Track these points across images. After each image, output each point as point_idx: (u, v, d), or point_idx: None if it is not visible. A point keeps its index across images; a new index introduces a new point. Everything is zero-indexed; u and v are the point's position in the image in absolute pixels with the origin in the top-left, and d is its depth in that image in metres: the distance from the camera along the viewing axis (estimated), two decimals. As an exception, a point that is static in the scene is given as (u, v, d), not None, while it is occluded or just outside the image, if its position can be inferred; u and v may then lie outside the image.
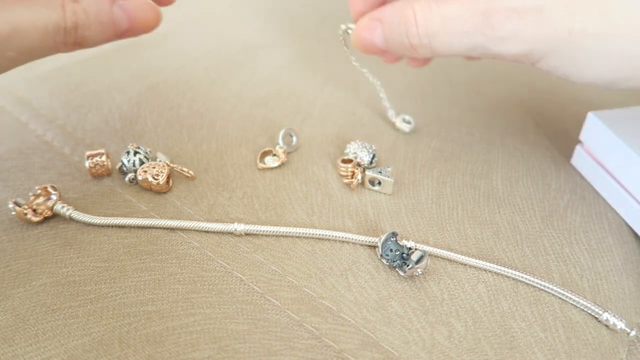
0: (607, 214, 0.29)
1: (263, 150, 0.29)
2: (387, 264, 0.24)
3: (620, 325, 0.23)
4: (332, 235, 0.26)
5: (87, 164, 0.28)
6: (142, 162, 0.28)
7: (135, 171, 0.28)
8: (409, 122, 0.32)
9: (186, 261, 0.25)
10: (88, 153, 0.29)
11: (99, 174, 0.29)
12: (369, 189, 0.29)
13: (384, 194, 0.29)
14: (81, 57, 0.41)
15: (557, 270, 0.25)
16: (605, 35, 0.20)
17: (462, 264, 0.25)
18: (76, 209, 0.27)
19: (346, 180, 0.29)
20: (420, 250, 0.24)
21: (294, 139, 0.31)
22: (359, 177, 0.29)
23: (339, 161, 0.30)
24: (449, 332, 0.22)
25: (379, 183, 0.29)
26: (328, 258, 0.25)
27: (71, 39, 0.23)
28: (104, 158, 0.29)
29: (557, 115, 0.37)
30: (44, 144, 0.32)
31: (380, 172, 0.28)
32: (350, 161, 0.29)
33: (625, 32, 0.20)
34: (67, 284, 0.23)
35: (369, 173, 0.28)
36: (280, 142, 0.29)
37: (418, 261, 0.24)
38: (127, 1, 0.25)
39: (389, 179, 0.28)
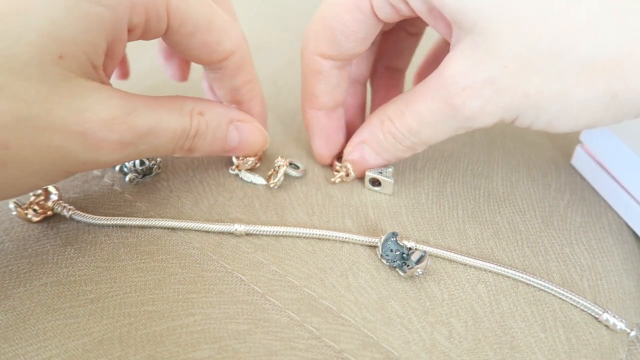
0: (607, 214, 0.29)
1: (268, 174, 0.29)
2: (387, 264, 0.24)
3: (620, 325, 0.23)
4: (332, 235, 0.26)
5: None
6: (142, 162, 0.28)
7: (136, 171, 0.28)
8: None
9: (186, 261, 0.25)
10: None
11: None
12: (369, 189, 0.29)
13: (384, 194, 0.29)
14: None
15: (557, 270, 0.25)
16: (561, 92, 0.20)
17: (462, 264, 0.25)
18: (76, 208, 0.27)
19: (332, 179, 0.29)
20: (421, 251, 0.24)
21: (300, 166, 0.30)
22: (342, 173, 0.29)
23: (334, 158, 0.30)
24: (449, 332, 0.22)
25: (379, 184, 0.29)
26: (328, 258, 0.25)
27: (188, 145, 0.25)
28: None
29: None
30: (44, 144, 0.32)
31: (381, 173, 0.28)
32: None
33: (582, 83, 0.20)
34: (68, 283, 0.23)
35: (369, 173, 0.28)
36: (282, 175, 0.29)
37: (418, 261, 0.24)
38: (243, 123, 0.27)
39: (389, 180, 0.28)
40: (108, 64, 0.22)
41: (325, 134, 0.29)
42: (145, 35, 0.23)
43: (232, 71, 0.26)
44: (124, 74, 0.35)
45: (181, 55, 0.25)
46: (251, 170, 0.30)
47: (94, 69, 0.21)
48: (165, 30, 0.23)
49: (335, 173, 0.29)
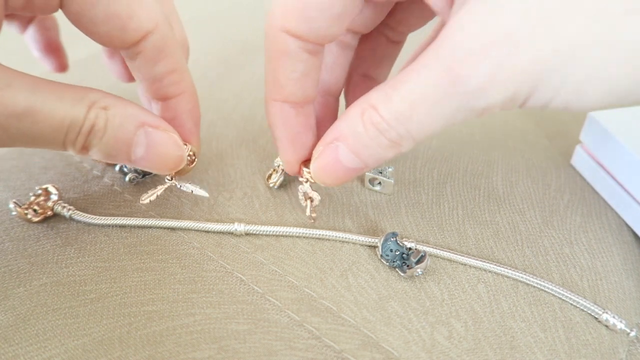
0: (607, 214, 0.29)
1: (268, 174, 0.29)
2: (387, 264, 0.24)
3: (620, 325, 0.23)
4: (332, 235, 0.26)
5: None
6: None
7: (136, 171, 0.28)
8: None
9: (186, 261, 0.25)
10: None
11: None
12: (369, 189, 0.29)
13: (384, 194, 0.29)
14: (81, 57, 0.41)
15: (557, 270, 0.25)
16: (601, 40, 0.16)
17: (462, 264, 0.25)
18: (77, 209, 0.27)
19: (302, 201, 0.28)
20: (421, 251, 0.24)
21: None
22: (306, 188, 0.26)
23: (301, 164, 0.29)
24: (449, 332, 0.22)
25: (379, 183, 0.29)
26: (328, 258, 0.25)
27: (81, 142, 0.21)
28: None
29: (557, 115, 0.37)
30: (44, 144, 0.32)
31: (381, 173, 0.28)
32: None
33: (625, 29, 0.16)
34: (68, 283, 0.23)
35: (369, 173, 0.28)
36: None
37: (418, 261, 0.24)
38: (156, 130, 0.23)
39: (389, 180, 0.28)
40: None
41: (292, 133, 0.24)
42: (32, 5, 0.20)
43: (150, 55, 0.22)
44: (62, 66, 0.32)
45: (90, 36, 0.21)
46: (183, 174, 0.26)
47: None
48: None
49: (300, 190, 0.25)
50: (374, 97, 0.20)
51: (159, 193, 0.26)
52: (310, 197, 0.25)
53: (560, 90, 0.17)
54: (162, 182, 0.26)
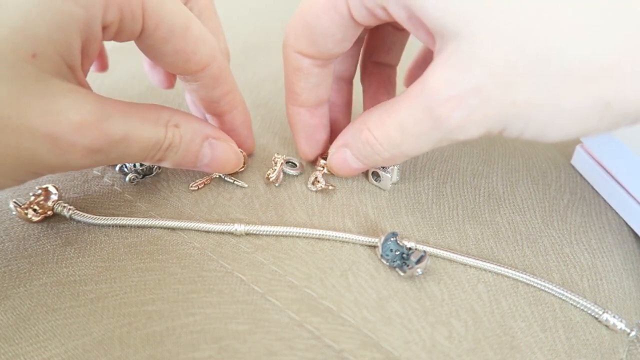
0: (607, 214, 0.29)
1: (268, 173, 0.29)
2: (387, 264, 0.24)
3: (620, 325, 0.23)
4: (332, 235, 0.26)
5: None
6: (142, 162, 0.28)
7: (136, 171, 0.28)
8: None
9: (186, 261, 0.25)
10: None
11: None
12: (371, 183, 0.29)
13: (382, 189, 0.29)
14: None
15: (557, 270, 0.25)
16: (550, 101, 0.19)
17: (462, 264, 0.25)
18: (77, 208, 0.27)
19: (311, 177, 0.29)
20: (420, 250, 0.24)
21: (297, 164, 0.30)
22: (315, 176, 0.29)
23: (320, 157, 0.30)
24: (449, 332, 0.22)
25: (380, 177, 0.29)
26: (328, 258, 0.25)
27: (159, 156, 0.24)
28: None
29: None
30: (44, 144, 0.32)
31: (384, 168, 0.29)
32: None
33: (572, 90, 0.19)
34: (68, 283, 0.23)
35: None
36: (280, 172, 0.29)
37: (418, 261, 0.24)
38: (218, 141, 0.27)
39: (386, 174, 0.28)
40: (83, 63, 0.22)
41: (307, 132, 0.29)
42: (120, 35, 0.22)
43: (209, 83, 0.26)
44: (102, 66, 0.34)
45: (156, 63, 0.25)
46: (235, 174, 0.30)
47: (69, 69, 0.20)
48: (140, 31, 0.22)
49: (313, 175, 0.29)
50: (371, 120, 0.24)
51: (206, 182, 0.29)
52: (317, 180, 0.29)
53: (525, 131, 0.20)
54: (161, 181, 0.26)
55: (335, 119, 0.31)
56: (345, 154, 0.27)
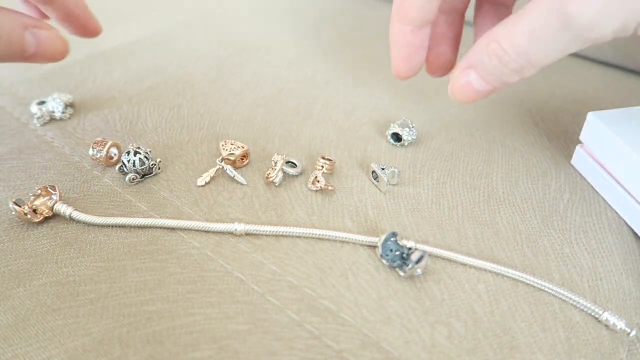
0: (607, 214, 0.29)
1: (267, 173, 0.29)
2: (387, 264, 0.24)
3: (620, 325, 0.23)
4: (332, 235, 0.26)
5: (91, 152, 0.30)
6: (142, 162, 0.28)
7: (136, 171, 0.28)
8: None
9: (186, 261, 0.25)
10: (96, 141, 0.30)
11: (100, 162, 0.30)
12: (371, 182, 0.30)
13: (379, 190, 0.29)
14: (81, 57, 0.41)
15: (557, 270, 0.25)
16: None
17: (462, 264, 0.25)
18: (76, 209, 0.27)
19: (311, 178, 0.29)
20: (420, 250, 0.24)
21: (298, 164, 0.30)
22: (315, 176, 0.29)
23: (319, 156, 0.30)
24: (449, 332, 0.22)
25: (377, 178, 0.29)
26: (328, 258, 0.25)
27: None
28: (102, 153, 0.30)
29: (557, 115, 0.37)
30: (44, 144, 0.32)
31: (383, 169, 0.29)
32: (329, 159, 0.30)
33: None
34: (67, 283, 0.23)
35: (373, 165, 0.29)
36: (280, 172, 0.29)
37: (418, 261, 0.24)
38: (39, 30, 0.26)
39: (382, 176, 0.28)
40: None
41: (405, 51, 0.28)
42: None
43: None
44: (87, 31, 0.34)
45: None
46: (235, 166, 0.30)
47: None
48: None
49: (313, 175, 0.29)
50: (498, 32, 0.23)
51: (212, 174, 0.29)
52: (317, 180, 0.29)
53: None
54: (161, 181, 0.26)
55: (443, 52, 0.30)
56: (469, 76, 0.26)
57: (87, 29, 0.30)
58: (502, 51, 0.23)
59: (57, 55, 0.28)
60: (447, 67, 0.31)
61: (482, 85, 0.26)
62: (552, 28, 0.21)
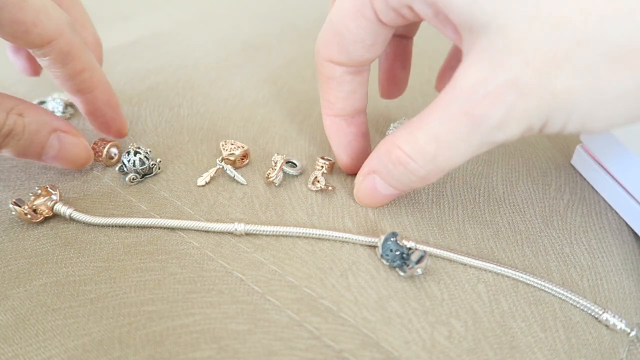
0: (607, 214, 0.29)
1: (267, 173, 0.29)
2: (387, 264, 0.24)
3: (620, 325, 0.23)
4: (332, 235, 0.26)
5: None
6: (142, 162, 0.28)
7: (136, 171, 0.28)
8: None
9: (186, 261, 0.25)
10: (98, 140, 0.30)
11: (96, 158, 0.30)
12: None
13: None
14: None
15: (557, 270, 0.25)
16: (593, 87, 0.18)
17: (462, 264, 0.25)
18: (76, 209, 0.27)
19: (311, 178, 0.29)
20: (420, 250, 0.24)
21: (298, 164, 0.30)
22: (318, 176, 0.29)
23: (318, 157, 0.30)
24: (449, 332, 0.22)
25: None
26: (328, 258, 0.25)
27: None
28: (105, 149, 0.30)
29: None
30: (44, 144, 0.32)
31: None
32: (328, 160, 0.30)
33: (617, 73, 0.18)
34: (67, 283, 0.23)
35: None
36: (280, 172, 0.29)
37: (418, 261, 0.24)
38: (67, 135, 0.27)
39: None
40: None
41: (344, 141, 0.28)
42: None
43: (58, 58, 0.26)
44: (35, 71, 0.34)
45: None
46: (235, 166, 0.30)
47: None
48: None
49: (313, 175, 0.29)
50: (401, 137, 0.23)
51: (212, 174, 0.29)
52: (317, 180, 0.29)
53: (568, 123, 0.19)
54: (161, 181, 0.26)
55: (398, 74, 0.31)
56: (373, 181, 0.25)
57: (110, 128, 0.30)
58: (407, 158, 0.22)
59: (78, 163, 0.28)
60: (401, 88, 0.32)
61: (389, 190, 0.25)
62: (459, 131, 0.20)
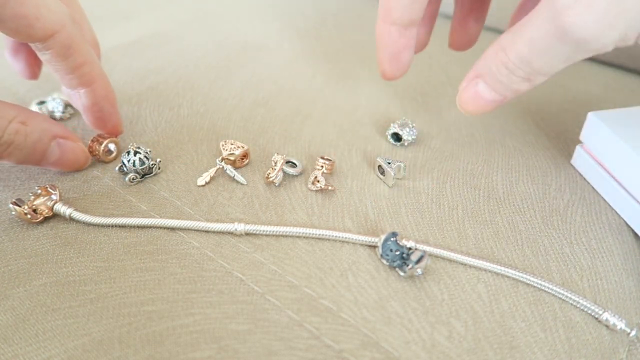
0: (607, 214, 0.29)
1: (267, 173, 0.29)
2: (387, 264, 0.24)
3: (620, 325, 0.23)
4: (332, 235, 0.26)
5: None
6: (142, 162, 0.28)
7: (136, 171, 0.28)
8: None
9: (186, 261, 0.25)
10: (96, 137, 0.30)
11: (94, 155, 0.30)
12: (377, 177, 0.30)
13: (386, 184, 0.29)
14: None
15: (557, 270, 0.25)
16: None
17: (462, 264, 0.25)
18: (76, 209, 0.27)
19: (311, 178, 0.29)
20: (420, 250, 0.24)
21: (298, 164, 0.30)
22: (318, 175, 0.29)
23: (318, 157, 0.30)
24: (449, 332, 0.22)
25: (384, 173, 0.29)
26: (328, 258, 0.25)
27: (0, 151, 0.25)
28: (102, 146, 0.30)
29: (557, 115, 0.37)
30: (44, 144, 0.32)
31: (389, 163, 0.29)
32: (328, 160, 0.29)
33: None
34: (67, 283, 0.23)
35: (379, 160, 0.29)
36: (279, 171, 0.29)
37: (418, 261, 0.24)
38: (66, 141, 0.28)
39: (389, 170, 0.28)
40: None
41: (391, 51, 0.28)
42: None
43: (60, 52, 0.26)
44: (33, 74, 0.34)
45: (0, 29, 0.24)
46: (235, 166, 0.30)
47: None
48: None
49: (313, 175, 0.29)
50: (504, 40, 0.23)
51: (212, 174, 0.29)
52: (317, 180, 0.29)
53: None
54: (161, 181, 0.26)
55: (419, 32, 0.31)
56: (477, 86, 0.25)
57: (106, 124, 0.30)
58: (507, 59, 0.23)
59: (77, 166, 0.29)
60: (421, 46, 0.32)
61: (492, 94, 0.25)
62: (551, 39, 0.21)
